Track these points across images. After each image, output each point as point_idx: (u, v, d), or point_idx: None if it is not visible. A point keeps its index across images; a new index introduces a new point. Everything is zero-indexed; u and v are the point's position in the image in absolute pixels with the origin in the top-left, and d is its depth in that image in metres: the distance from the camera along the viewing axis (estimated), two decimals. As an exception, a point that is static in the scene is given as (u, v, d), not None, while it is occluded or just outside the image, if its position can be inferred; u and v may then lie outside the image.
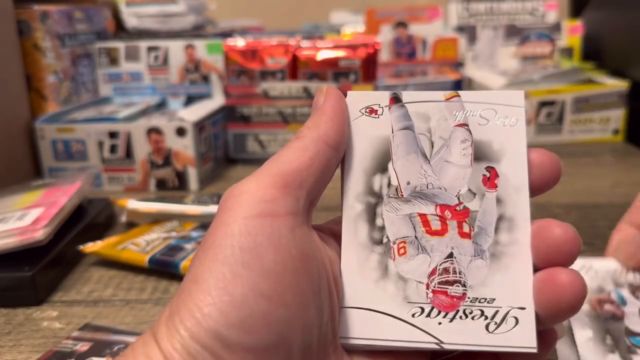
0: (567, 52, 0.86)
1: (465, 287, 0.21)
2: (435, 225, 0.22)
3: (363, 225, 0.22)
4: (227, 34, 0.81)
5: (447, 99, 0.23)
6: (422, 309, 0.21)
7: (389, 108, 0.23)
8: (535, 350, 0.21)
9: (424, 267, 0.22)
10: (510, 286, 0.21)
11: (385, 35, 0.89)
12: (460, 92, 0.23)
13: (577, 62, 0.83)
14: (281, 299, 0.18)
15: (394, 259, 0.22)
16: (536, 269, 0.21)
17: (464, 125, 0.23)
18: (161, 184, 0.60)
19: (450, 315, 0.21)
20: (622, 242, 0.30)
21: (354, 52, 0.69)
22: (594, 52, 0.84)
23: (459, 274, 0.21)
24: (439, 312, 0.21)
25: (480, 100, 0.23)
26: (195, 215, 0.48)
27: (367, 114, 0.23)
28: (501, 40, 0.86)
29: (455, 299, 0.21)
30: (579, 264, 0.33)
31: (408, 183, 0.22)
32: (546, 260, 0.21)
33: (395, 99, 0.23)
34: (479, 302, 0.21)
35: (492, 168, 0.22)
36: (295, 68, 0.69)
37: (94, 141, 0.59)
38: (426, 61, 0.88)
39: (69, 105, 0.67)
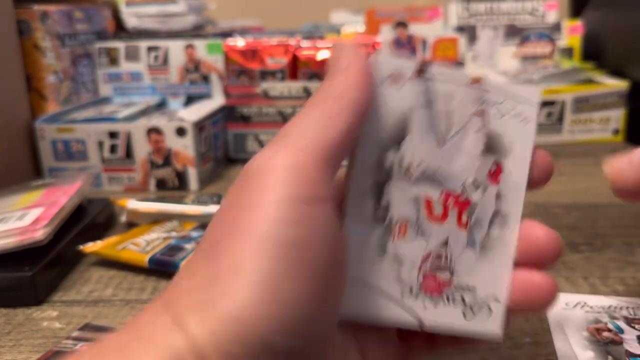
0: (567, 52, 0.86)
1: (453, 274, 0.22)
2: (437, 211, 0.22)
3: (369, 201, 0.22)
4: (227, 34, 0.81)
5: (471, 83, 0.23)
6: (411, 290, 0.22)
7: (414, 80, 0.22)
8: (500, 340, 0.22)
9: (419, 251, 0.22)
10: (491, 278, 0.22)
11: (385, 35, 0.89)
12: (483, 78, 0.23)
13: (577, 62, 0.83)
14: (323, 297, 0.17)
15: (393, 240, 0.22)
16: (516, 265, 0.22)
17: (482, 114, 0.22)
18: (161, 184, 0.60)
19: (435, 298, 0.22)
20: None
21: (354, 52, 0.68)
22: (594, 52, 0.84)
23: (450, 261, 0.22)
24: (425, 295, 0.22)
25: (500, 92, 0.23)
26: (195, 216, 0.48)
27: (390, 82, 0.22)
28: (501, 40, 0.86)
29: (441, 284, 0.22)
30: (574, 300, 0.34)
31: (419, 164, 0.22)
32: (527, 258, 0.22)
33: (421, 72, 0.22)
34: (462, 289, 0.22)
35: (499, 163, 0.22)
36: (296, 68, 0.69)
37: (94, 141, 0.59)
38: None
39: (69, 105, 0.67)
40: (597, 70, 0.79)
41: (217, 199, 0.51)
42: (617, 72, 0.76)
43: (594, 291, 0.36)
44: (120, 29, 0.82)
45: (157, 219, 0.48)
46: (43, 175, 0.60)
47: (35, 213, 0.41)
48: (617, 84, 0.71)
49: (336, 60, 0.20)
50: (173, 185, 0.60)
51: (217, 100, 0.70)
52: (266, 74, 0.69)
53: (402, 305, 0.21)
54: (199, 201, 0.50)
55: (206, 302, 0.16)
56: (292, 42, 0.70)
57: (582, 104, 0.71)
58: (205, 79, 0.74)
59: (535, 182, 0.23)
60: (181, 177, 0.59)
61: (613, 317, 0.32)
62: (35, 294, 0.37)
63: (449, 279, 0.22)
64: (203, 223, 0.47)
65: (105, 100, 0.74)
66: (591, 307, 0.33)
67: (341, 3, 1.31)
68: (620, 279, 0.38)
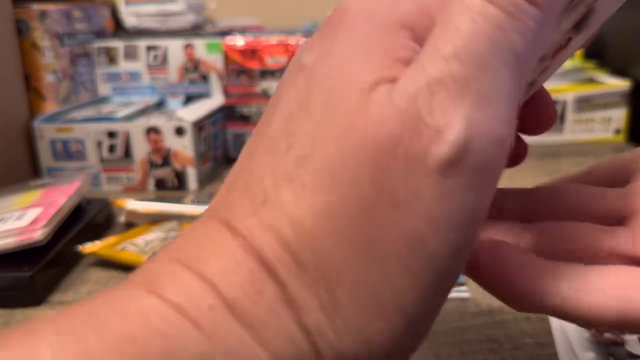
0: (568, 51, 0.85)
1: None
2: None
3: None
4: (226, 33, 0.80)
5: None
6: None
7: None
8: None
9: None
10: None
11: (385, 35, 0.89)
12: None
13: (579, 62, 0.82)
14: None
15: None
16: None
17: None
18: (160, 184, 0.60)
19: None
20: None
21: (354, 51, 0.68)
22: (596, 52, 0.84)
23: None
24: None
25: None
26: (194, 216, 0.48)
27: None
28: (502, 39, 0.86)
29: None
30: None
31: None
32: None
33: None
34: None
35: (570, 39, 0.20)
36: (295, 67, 0.69)
37: (93, 141, 0.59)
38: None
39: (68, 104, 0.67)
40: (598, 69, 0.79)
41: (217, 198, 0.51)
42: (619, 72, 0.76)
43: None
44: (119, 28, 0.82)
45: (156, 219, 0.48)
46: (42, 175, 0.60)
47: (33, 213, 0.41)
48: (619, 84, 0.71)
49: None
50: (172, 185, 0.60)
51: (216, 100, 0.70)
52: (266, 73, 0.69)
53: None
54: (198, 201, 0.50)
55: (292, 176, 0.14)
56: (291, 41, 0.70)
57: (584, 104, 0.71)
58: (205, 79, 0.73)
59: (535, 127, 0.21)
60: (180, 177, 0.59)
61: None
62: (34, 294, 0.37)
63: None
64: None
65: (104, 100, 0.74)
66: None
67: (341, 2, 1.31)
68: (622, 279, 0.37)
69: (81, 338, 0.13)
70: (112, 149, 0.59)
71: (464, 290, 0.36)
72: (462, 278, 0.37)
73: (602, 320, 0.17)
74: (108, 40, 0.75)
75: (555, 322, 0.32)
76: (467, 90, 0.14)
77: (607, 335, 0.30)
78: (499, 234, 0.21)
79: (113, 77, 0.75)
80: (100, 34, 0.76)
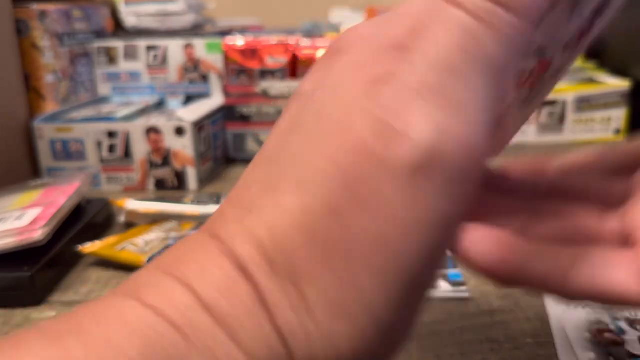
0: (568, 51, 0.85)
1: None
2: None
3: None
4: (226, 33, 0.80)
5: None
6: None
7: None
8: None
9: None
10: None
11: (385, 35, 0.88)
12: None
13: (579, 61, 0.82)
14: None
15: None
16: None
17: None
18: (160, 184, 0.60)
19: None
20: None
21: (354, 51, 0.68)
22: (596, 51, 0.84)
23: None
24: None
25: None
26: (194, 216, 0.48)
27: None
28: (502, 39, 0.86)
29: None
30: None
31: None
32: None
33: None
34: None
35: (593, 24, 0.21)
36: (295, 67, 0.69)
37: (93, 141, 0.59)
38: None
39: (68, 104, 0.67)
40: (598, 69, 0.79)
41: (217, 199, 0.51)
42: (619, 72, 0.76)
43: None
44: (119, 28, 0.82)
45: (156, 219, 0.48)
46: (41, 175, 0.60)
47: (33, 213, 0.41)
48: (619, 84, 0.71)
49: None
50: (172, 185, 0.60)
51: (216, 100, 0.70)
52: (266, 73, 0.69)
53: None
54: (198, 201, 0.50)
55: (266, 204, 0.15)
56: (291, 41, 0.70)
57: (584, 104, 0.71)
58: (205, 79, 0.73)
59: None
60: (180, 177, 0.59)
61: (615, 318, 0.32)
62: (33, 294, 0.37)
63: None
64: (202, 223, 0.46)
65: (104, 100, 0.74)
66: (593, 307, 0.33)
67: (341, 1, 1.31)
68: (622, 279, 0.38)
69: (64, 344, 0.13)
70: (112, 149, 0.59)
71: (464, 291, 0.36)
72: (462, 278, 0.37)
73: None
74: (108, 40, 0.75)
75: (555, 322, 0.32)
76: (439, 98, 0.14)
77: (607, 335, 0.30)
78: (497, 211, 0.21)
79: (113, 77, 0.75)
80: (100, 34, 0.76)
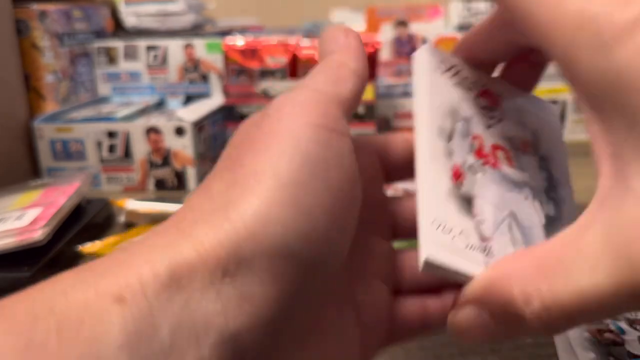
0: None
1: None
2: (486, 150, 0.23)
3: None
4: (226, 33, 0.80)
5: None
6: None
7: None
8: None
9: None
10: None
11: (385, 34, 0.89)
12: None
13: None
14: (338, 219, 0.17)
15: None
16: None
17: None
18: (160, 184, 0.60)
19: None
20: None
21: (354, 51, 0.68)
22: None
23: None
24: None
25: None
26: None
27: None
28: (502, 39, 0.86)
29: None
30: None
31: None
32: None
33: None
34: None
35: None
36: (295, 67, 0.69)
37: (93, 141, 0.59)
38: (426, 60, 0.88)
39: (68, 104, 0.67)
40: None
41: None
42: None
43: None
44: (119, 28, 0.82)
45: (156, 219, 0.48)
46: (41, 175, 0.60)
47: (33, 213, 0.41)
48: (618, 83, 0.71)
49: (334, 39, 0.21)
50: (172, 185, 0.60)
51: (216, 100, 0.70)
52: (266, 73, 0.69)
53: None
54: (199, 201, 0.50)
55: (221, 207, 0.16)
56: (291, 41, 0.70)
57: (583, 103, 0.71)
58: (205, 79, 0.73)
59: None
60: (180, 177, 0.59)
61: (615, 318, 0.32)
62: (33, 295, 0.37)
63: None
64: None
65: (104, 100, 0.74)
66: None
67: (341, 1, 1.31)
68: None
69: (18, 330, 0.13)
70: (112, 149, 0.59)
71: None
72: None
73: None
74: (108, 40, 0.75)
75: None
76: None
77: (607, 335, 0.30)
78: None
79: (113, 77, 0.75)
80: (100, 34, 0.76)
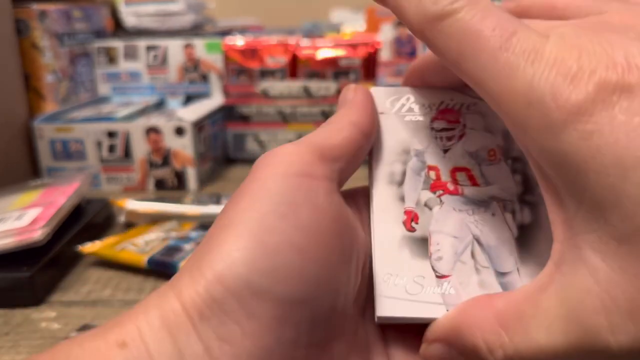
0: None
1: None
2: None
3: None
4: (226, 33, 0.80)
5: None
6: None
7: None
8: None
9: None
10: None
11: (385, 34, 0.89)
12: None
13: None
14: (314, 256, 0.18)
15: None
16: None
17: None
18: (160, 184, 0.60)
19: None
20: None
21: (354, 51, 0.68)
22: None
23: None
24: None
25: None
26: (194, 216, 0.48)
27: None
28: (501, 39, 0.86)
29: None
30: None
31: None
32: None
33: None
34: None
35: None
36: (295, 67, 0.69)
37: (93, 141, 0.59)
38: (426, 60, 0.88)
39: (68, 104, 0.67)
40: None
41: (217, 199, 0.51)
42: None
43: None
44: (119, 28, 0.82)
45: (156, 219, 0.48)
46: (41, 175, 0.60)
47: (33, 213, 0.41)
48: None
49: (344, 96, 0.23)
50: (172, 185, 0.60)
51: (216, 100, 0.70)
52: (266, 73, 0.69)
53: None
54: (198, 201, 0.50)
55: (197, 259, 0.17)
56: (291, 41, 0.70)
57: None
58: (205, 78, 0.73)
59: None
60: (180, 177, 0.59)
61: None
62: (33, 295, 0.37)
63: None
64: (202, 223, 0.47)
65: (104, 100, 0.74)
66: None
67: (341, 1, 1.31)
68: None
69: None
70: (112, 149, 0.59)
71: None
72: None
73: None
74: (108, 40, 0.75)
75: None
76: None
77: None
78: None
79: (113, 77, 0.75)
80: (100, 34, 0.76)
